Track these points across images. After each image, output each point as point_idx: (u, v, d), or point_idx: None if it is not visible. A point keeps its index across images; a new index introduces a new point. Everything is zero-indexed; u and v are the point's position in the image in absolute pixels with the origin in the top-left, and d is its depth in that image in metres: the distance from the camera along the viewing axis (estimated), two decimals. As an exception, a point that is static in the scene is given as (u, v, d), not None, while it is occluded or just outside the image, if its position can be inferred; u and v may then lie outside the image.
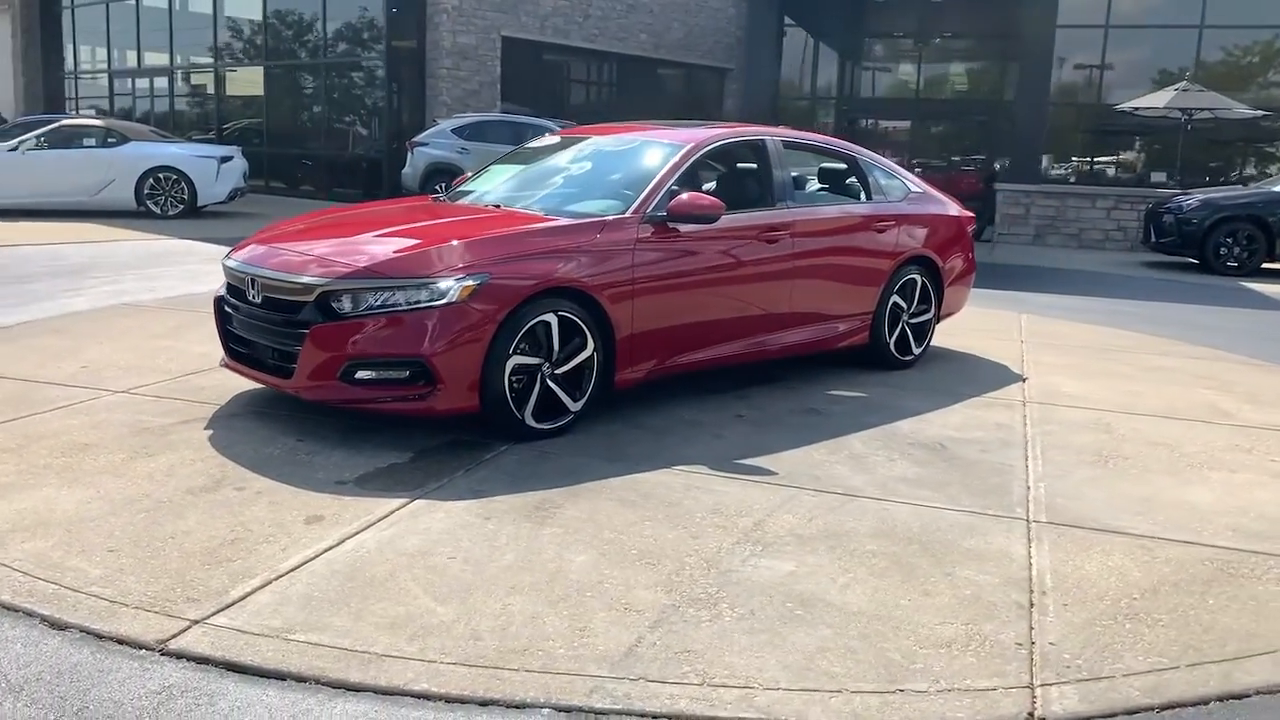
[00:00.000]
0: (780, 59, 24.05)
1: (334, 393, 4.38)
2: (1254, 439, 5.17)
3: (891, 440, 4.89)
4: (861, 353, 6.38)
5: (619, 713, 2.52)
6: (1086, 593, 3.28)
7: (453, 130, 16.15)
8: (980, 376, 6.37)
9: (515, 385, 4.50)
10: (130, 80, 25.06)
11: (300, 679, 2.60)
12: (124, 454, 4.20)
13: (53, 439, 4.36)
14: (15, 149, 14.37)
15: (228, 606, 2.94)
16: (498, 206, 5.38)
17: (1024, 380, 6.30)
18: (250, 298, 4.68)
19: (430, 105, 18.67)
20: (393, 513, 3.69)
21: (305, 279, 4.41)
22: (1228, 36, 20.39)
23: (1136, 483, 4.41)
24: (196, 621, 2.84)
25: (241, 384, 5.17)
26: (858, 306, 6.14)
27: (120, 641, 2.74)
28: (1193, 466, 4.68)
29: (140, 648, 2.71)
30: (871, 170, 6.45)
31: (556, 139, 6.29)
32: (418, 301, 4.29)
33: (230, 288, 4.91)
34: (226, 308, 4.89)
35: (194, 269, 9.72)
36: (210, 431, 4.56)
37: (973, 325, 7.89)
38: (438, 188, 12.28)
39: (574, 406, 4.71)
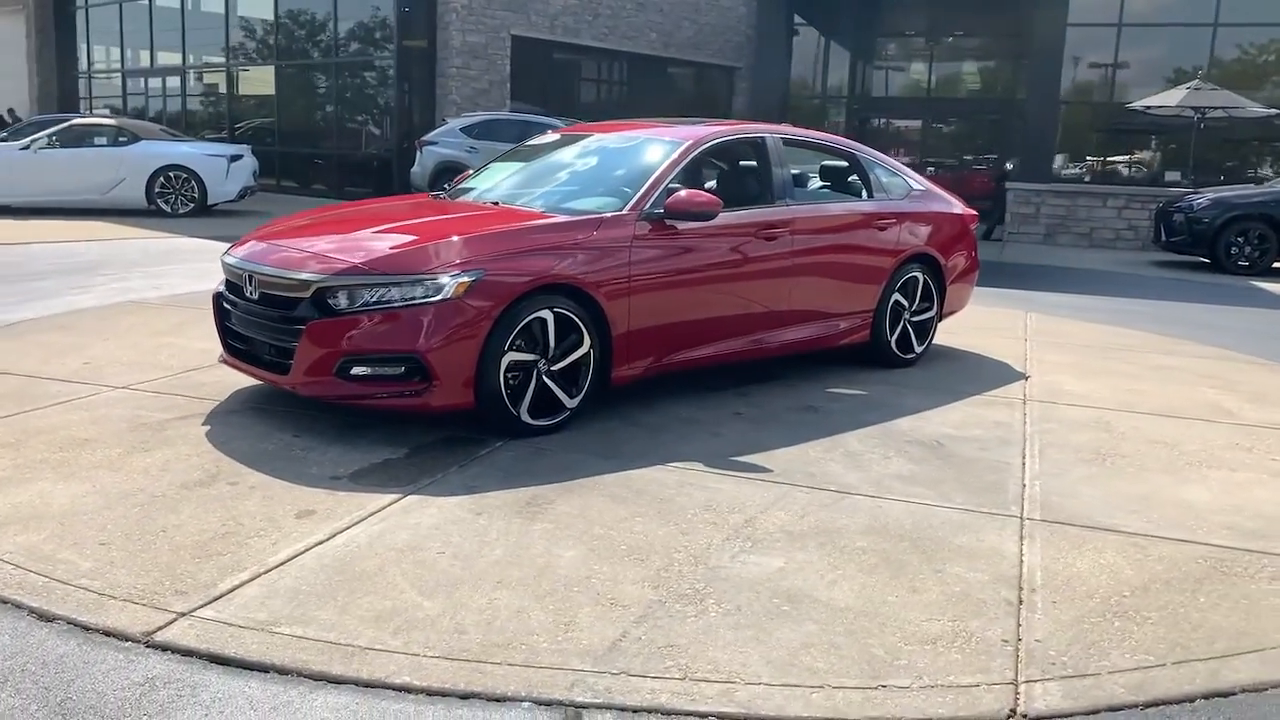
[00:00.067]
0: (790, 58, 24.01)
1: (330, 388, 4.40)
2: (1255, 438, 5.14)
3: (889, 438, 4.88)
4: (863, 351, 6.37)
5: (599, 706, 2.52)
6: (1076, 590, 3.27)
7: (461, 129, 16.19)
8: (982, 375, 6.34)
9: (511, 382, 4.50)
10: (143, 80, 25.20)
11: (283, 671, 2.61)
12: (121, 449, 4.22)
13: (51, 434, 4.39)
14: (27, 147, 14.49)
15: (215, 599, 2.95)
16: (496, 204, 5.39)
17: (1026, 379, 6.27)
18: (248, 294, 4.70)
19: (440, 104, 18.72)
20: (384, 508, 3.70)
21: (301, 275, 4.43)
22: (1242, 35, 20.24)
23: (1134, 481, 4.39)
24: (183, 614, 2.86)
25: (241, 380, 5.20)
26: (858, 304, 6.13)
27: (107, 633, 2.76)
28: (1192, 465, 4.65)
29: (126, 640, 2.73)
30: (872, 168, 6.44)
31: (556, 137, 6.29)
32: (413, 298, 4.30)
33: (229, 284, 4.94)
34: (225, 304, 4.92)
35: (202, 267, 9.76)
36: (208, 427, 4.58)
37: (977, 324, 7.86)
38: (444, 186, 12.31)
39: (570, 403, 4.71)
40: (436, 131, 16.68)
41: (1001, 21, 22.45)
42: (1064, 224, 16.23)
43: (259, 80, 22.76)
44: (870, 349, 6.33)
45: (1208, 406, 5.74)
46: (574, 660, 2.71)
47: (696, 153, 5.46)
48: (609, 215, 4.92)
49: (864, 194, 6.35)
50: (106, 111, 23.30)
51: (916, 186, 6.69)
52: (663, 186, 5.10)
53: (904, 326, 6.43)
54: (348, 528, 3.51)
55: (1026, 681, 2.70)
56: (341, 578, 3.13)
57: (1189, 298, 11.00)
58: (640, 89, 23.02)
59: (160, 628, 2.78)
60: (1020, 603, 3.17)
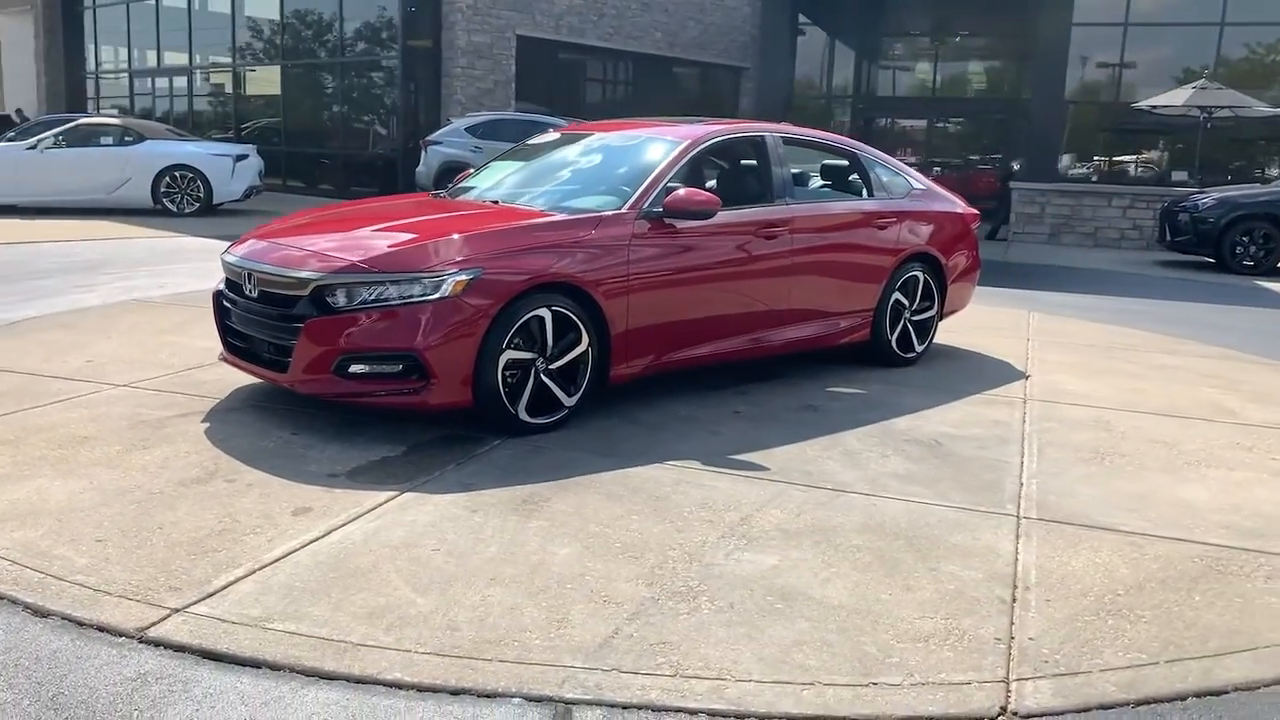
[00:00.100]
0: (794, 58, 23.99)
1: (328, 386, 4.41)
2: (1256, 437, 5.13)
3: (887, 437, 4.88)
4: (863, 350, 6.36)
5: (589, 703, 2.52)
6: (1071, 589, 3.26)
7: (466, 129, 16.21)
8: (983, 374, 6.34)
9: (509, 380, 4.51)
10: (150, 80, 25.28)
11: (275, 667, 2.62)
12: (120, 446, 4.24)
13: (51, 431, 4.41)
14: (34, 147, 14.54)
15: (209, 596, 2.96)
16: (495, 203, 5.40)
17: (1027, 378, 6.26)
18: (247, 292, 4.71)
19: (445, 104, 18.74)
20: (380, 505, 3.71)
21: (300, 273, 4.44)
22: (1250, 34, 20.18)
23: (1132, 480, 4.38)
24: (177, 610, 2.87)
25: (241, 378, 5.22)
26: (858, 303, 6.12)
27: (100, 629, 2.77)
28: (1191, 464, 4.64)
29: (120, 635, 2.74)
30: (873, 167, 6.43)
31: (556, 135, 6.29)
32: (410, 296, 4.31)
33: (229, 282, 4.95)
34: (225, 302, 4.94)
35: (206, 266, 9.78)
36: (207, 425, 4.60)
37: (980, 323, 7.86)
38: (446, 185, 12.31)
39: (568, 402, 4.72)
40: (441, 131, 16.70)
41: (1007, 21, 22.40)
42: (1069, 224, 16.20)
43: (265, 80, 22.82)
44: (871, 348, 6.33)
45: (1209, 406, 5.73)
46: (565, 657, 2.72)
47: (695, 152, 5.46)
48: (607, 214, 4.92)
49: (864, 193, 6.35)
50: (115, 112, 23.38)
51: (917, 186, 6.68)
52: (661, 185, 5.10)
53: (904, 325, 6.42)
54: (343, 525, 3.52)
55: (1018, 679, 2.70)
56: (336, 574, 3.14)
57: (1193, 297, 10.97)
58: (645, 89, 23.03)
59: (153, 624, 2.79)
60: (1014, 601, 3.17)
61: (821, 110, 25.01)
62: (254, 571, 3.13)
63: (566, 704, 2.51)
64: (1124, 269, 13.54)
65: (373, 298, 4.32)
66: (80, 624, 2.79)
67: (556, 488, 3.97)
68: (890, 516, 3.83)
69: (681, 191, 5.04)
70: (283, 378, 4.54)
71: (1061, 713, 2.57)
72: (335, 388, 4.40)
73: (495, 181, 5.86)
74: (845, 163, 6.45)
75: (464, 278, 4.33)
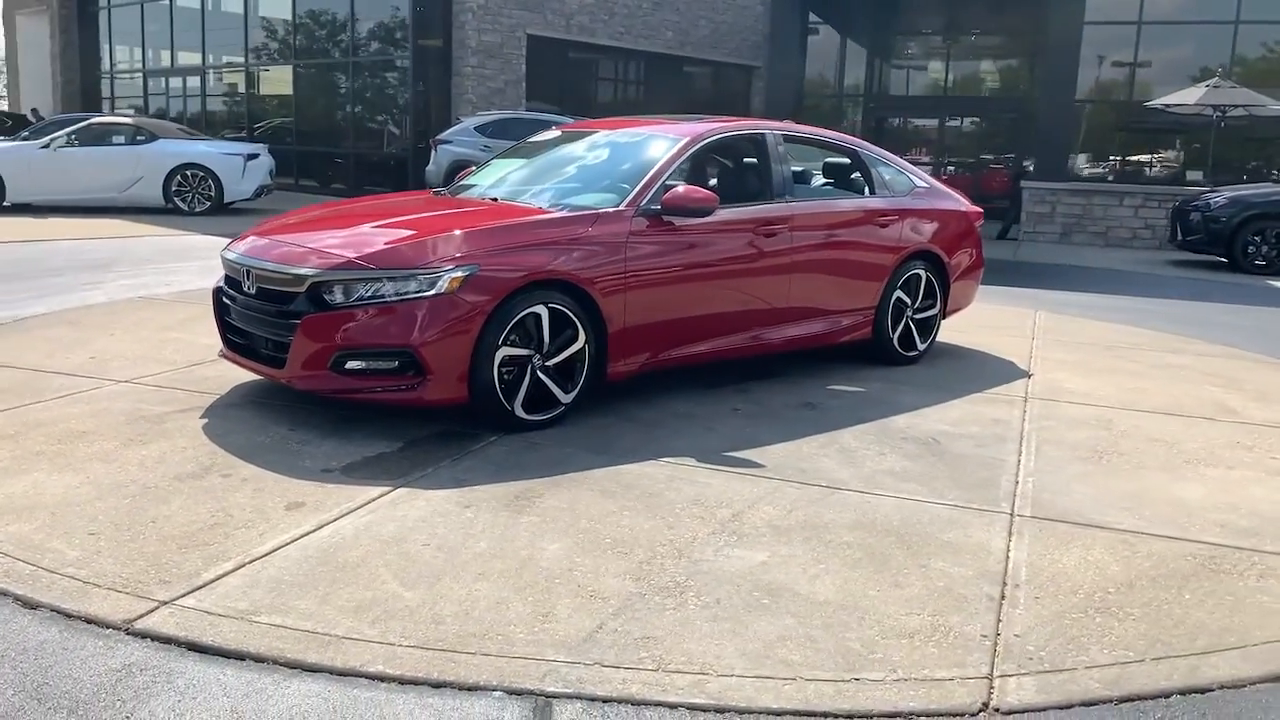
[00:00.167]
0: (805, 56, 23.93)
1: (325, 382, 4.43)
2: (1257, 436, 5.10)
3: (885, 435, 4.87)
4: (865, 348, 6.35)
5: (569, 696, 2.53)
6: (1060, 586, 3.25)
7: (476, 128, 16.25)
8: (985, 373, 6.32)
9: (505, 376, 4.52)
10: (164, 79, 25.43)
11: (259, 659, 2.64)
12: (118, 441, 4.27)
13: (50, 426, 4.44)
14: (47, 146, 14.64)
15: (198, 589, 2.98)
16: (495, 200, 5.42)
17: (1029, 376, 6.24)
18: (246, 289, 4.74)
19: (456, 103, 18.79)
20: (373, 500, 3.72)
21: (297, 270, 4.47)
22: (1266, 32, 20.00)
23: (1129, 479, 4.36)
24: (165, 602, 2.89)
25: (242, 375, 5.24)
26: (860, 301, 6.11)
27: (88, 621, 2.79)
28: (1189, 463, 4.62)
29: (107, 627, 2.76)
30: (875, 165, 6.42)
31: (558, 133, 6.30)
32: (406, 292, 4.32)
33: (228, 279, 4.98)
34: (224, 299, 4.96)
35: (213, 264, 9.72)
36: (206, 420, 4.62)
37: (985, 322, 7.83)
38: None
39: (565, 398, 4.73)
40: (451, 130, 16.74)
41: (1019, 20, 22.31)
42: (1080, 223, 16.13)
43: (277, 80, 22.93)
44: (872, 346, 6.32)
45: (1212, 405, 5.70)
46: (549, 651, 2.72)
47: (694, 149, 5.47)
48: (604, 211, 4.93)
49: (866, 191, 6.33)
50: (131, 112, 23.52)
51: (920, 184, 6.67)
52: (660, 182, 5.11)
53: (906, 324, 6.40)
54: (335, 519, 3.53)
55: (1001, 676, 2.70)
56: (325, 568, 3.16)
57: (1203, 297, 10.91)
58: (657, 88, 23.03)
59: (141, 616, 2.81)
60: (1002, 598, 3.16)
61: (833, 109, 24.97)
62: (243, 565, 3.15)
63: (547, 697, 2.52)
64: (1135, 268, 13.47)
65: (369, 294, 4.34)
66: (69, 616, 2.82)
67: (550, 484, 3.98)
68: (883, 514, 3.82)
69: (680, 189, 5.04)
70: (280, 374, 4.56)
71: (1043, 709, 2.56)
72: (332, 384, 4.42)
73: (496, 179, 5.88)
74: (847, 161, 6.44)
75: (460, 274, 4.35)
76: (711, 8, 22.99)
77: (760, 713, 2.51)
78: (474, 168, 6.49)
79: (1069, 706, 2.58)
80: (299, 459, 4.15)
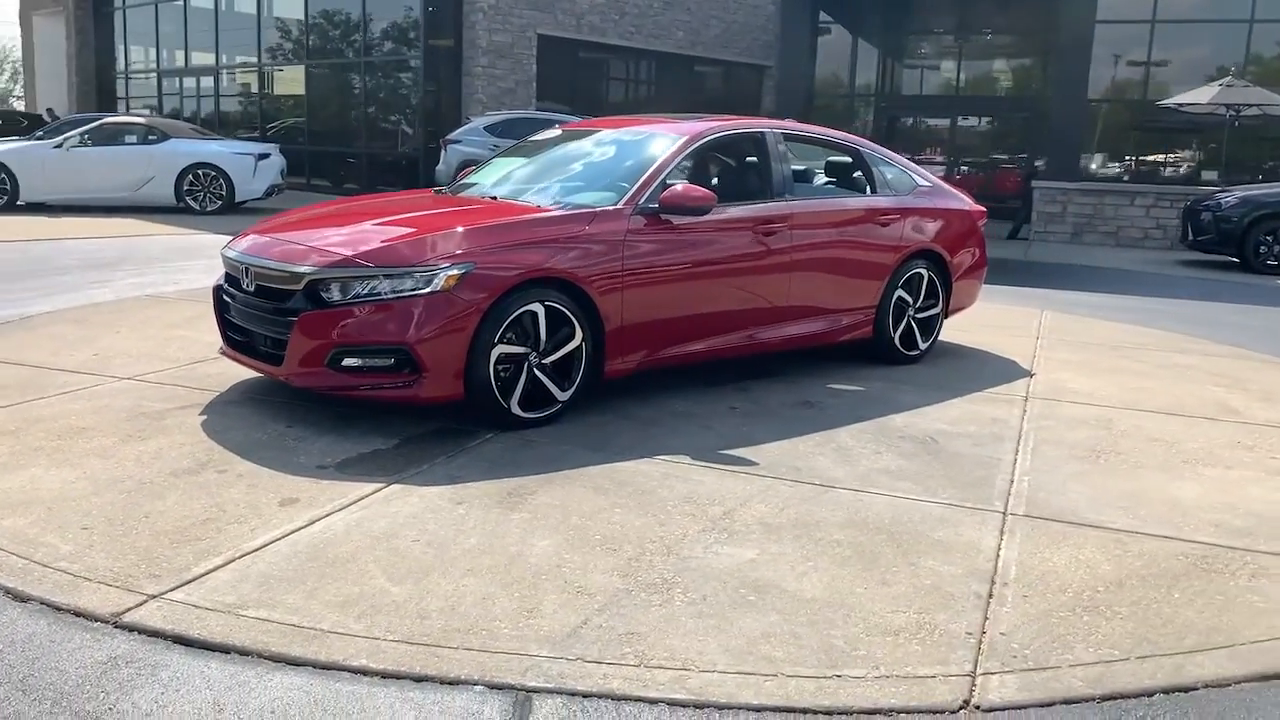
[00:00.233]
0: (815, 56, 23.88)
1: (322, 379, 4.46)
2: (1258, 436, 5.07)
3: (882, 433, 4.86)
4: (867, 347, 6.34)
5: (550, 691, 2.54)
6: (1049, 585, 3.25)
7: (485, 128, 16.29)
8: (987, 372, 6.30)
9: (502, 374, 4.53)
10: (178, 79, 25.59)
11: (244, 652, 2.66)
12: (116, 437, 4.30)
13: (51, 422, 4.48)
14: (60, 146, 14.75)
15: (187, 583, 3.00)
16: (494, 199, 5.43)
17: (1032, 376, 6.22)
18: (245, 286, 4.77)
19: (466, 103, 18.84)
20: (366, 496, 3.74)
21: (294, 268, 4.49)
22: (1280, 31, 19.88)
23: (1126, 478, 4.34)
24: (153, 596, 2.91)
25: (243, 372, 5.27)
26: (860, 300, 6.10)
27: (77, 614, 2.82)
28: (1188, 463, 4.59)
29: (95, 620, 2.79)
30: (876, 163, 6.41)
31: (559, 132, 6.32)
32: (402, 290, 4.34)
33: (228, 277, 5.01)
34: (225, 297, 4.99)
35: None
36: (205, 417, 4.65)
37: (990, 322, 7.81)
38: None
39: (562, 396, 4.74)
40: (461, 130, 16.80)
41: (1031, 19, 22.20)
42: (1091, 223, 16.05)
43: (291, 80, 23.04)
44: (874, 345, 6.31)
45: (1215, 405, 5.67)
46: (532, 646, 2.73)
47: (693, 148, 5.47)
48: (602, 209, 4.94)
49: (867, 189, 6.32)
50: (147, 112, 23.67)
51: (923, 183, 6.65)
52: (658, 181, 5.11)
53: (908, 323, 6.39)
54: (327, 515, 3.55)
55: (984, 674, 2.69)
56: (314, 564, 3.17)
57: (1213, 297, 10.84)
58: (668, 88, 23.04)
59: (129, 609, 2.83)
60: (990, 596, 3.15)
61: (845, 109, 24.90)
62: (233, 560, 3.17)
63: (527, 692, 2.53)
64: (1145, 268, 13.40)
65: (365, 292, 4.36)
66: (58, 609, 2.84)
67: (543, 481, 3.99)
68: (875, 512, 3.82)
69: (678, 187, 5.05)
70: (278, 371, 4.59)
71: (1024, 707, 2.56)
72: (328, 381, 4.44)
73: (497, 178, 5.90)
74: (848, 159, 6.43)
75: (456, 272, 4.36)
76: (723, 7, 22.97)
77: (740, 709, 2.51)
78: (475, 166, 6.51)
79: (1050, 704, 2.57)
80: (295, 455, 4.18)
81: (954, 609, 3.05)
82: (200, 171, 14.93)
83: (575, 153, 5.90)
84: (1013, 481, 4.24)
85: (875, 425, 4.99)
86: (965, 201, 6.87)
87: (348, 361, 4.39)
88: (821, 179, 6.57)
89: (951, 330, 7.06)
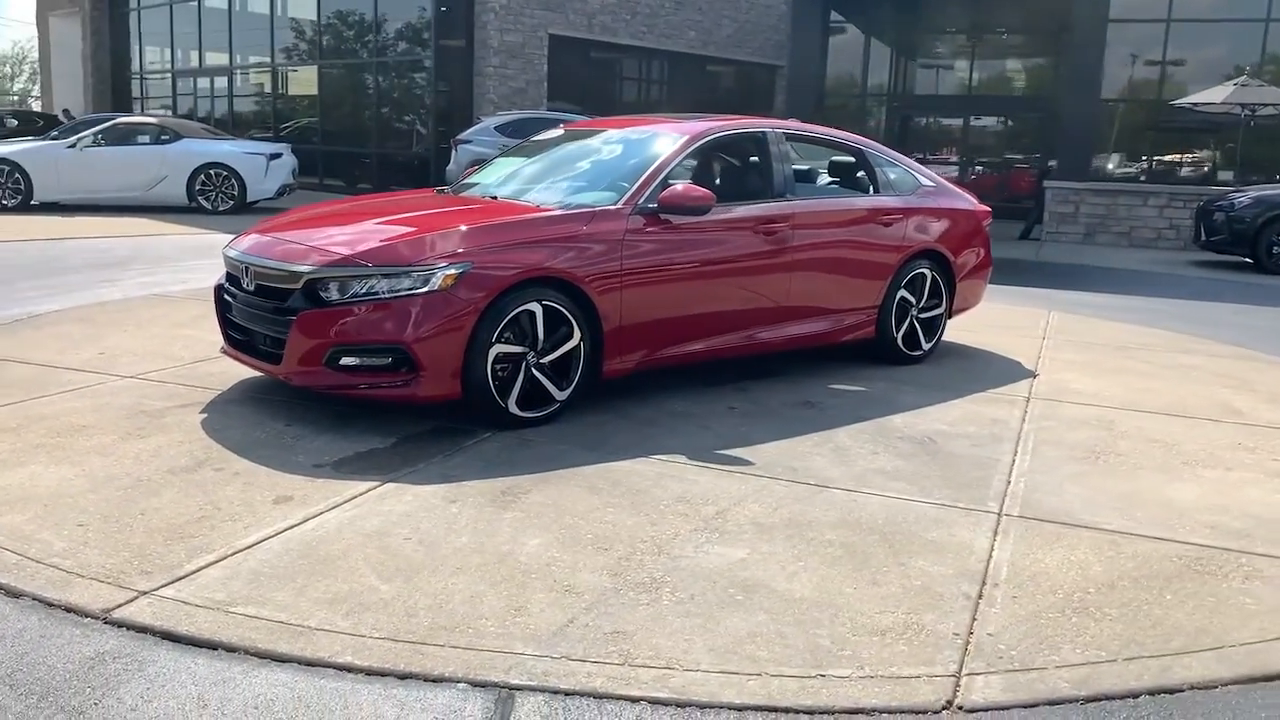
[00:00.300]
0: (826, 55, 23.80)
1: (320, 378, 4.48)
2: (1260, 438, 5.04)
3: (881, 434, 4.85)
4: (869, 347, 6.33)
5: (533, 689, 2.55)
6: (1040, 585, 3.24)
7: (496, 128, 16.32)
8: (990, 372, 6.28)
9: (499, 373, 4.55)
10: (192, 80, 25.74)
11: (231, 649, 2.67)
12: (116, 435, 4.33)
13: (52, 420, 4.51)
14: (73, 146, 14.86)
15: (178, 579, 3.03)
16: (495, 198, 5.45)
17: (1035, 376, 6.20)
18: (245, 286, 4.80)
19: (477, 103, 18.89)
20: (360, 495, 3.76)
21: (292, 267, 4.52)
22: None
23: (1123, 479, 4.33)
24: (144, 593, 2.93)
25: (244, 371, 5.30)
26: (862, 300, 6.09)
27: (68, 610, 2.84)
28: (1187, 464, 4.57)
29: (85, 616, 2.81)
30: (880, 163, 6.40)
31: (561, 132, 6.33)
32: (400, 289, 4.36)
33: (229, 276, 5.05)
34: (226, 296, 5.03)
35: (230, 262, 9.94)
36: (204, 416, 4.68)
37: (996, 322, 7.79)
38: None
39: (560, 396, 4.75)
40: (471, 130, 16.84)
41: (1044, 18, 22.07)
42: (1104, 223, 15.97)
43: (304, 80, 23.15)
44: (876, 345, 6.29)
45: (1218, 406, 5.63)
46: (517, 644, 2.74)
47: (693, 148, 5.48)
48: (601, 209, 4.95)
49: (870, 189, 6.31)
50: (163, 112, 23.81)
51: (926, 183, 6.64)
52: (658, 181, 5.12)
53: (911, 323, 6.37)
54: (320, 513, 3.57)
55: (969, 674, 2.69)
56: (305, 561, 3.19)
57: (1224, 298, 10.78)
58: (679, 88, 23.04)
59: (119, 605, 2.86)
60: (979, 597, 3.15)
61: (858, 109, 24.81)
62: (226, 557, 3.19)
63: (510, 689, 2.54)
64: (1157, 269, 13.33)
65: (363, 291, 4.38)
66: (49, 604, 2.87)
67: (538, 480, 4.00)
68: (869, 512, 3.82)
69: (677, 187, 5.05)
70: (277, 370, 4.61)
71: (1008, 707, 2.55)
72: (327, 379, 4.47)
73: (498, 177, 5.92)
74: (851, 159, 6.42)
75: (453, 271, 4.38)
76: (734, 7, 22.97)
77: (722, 708, 2.51)
78: (476, 166, 6.52)
79: (1034, 705, 2.56)
80: (292, 454, 4.20)
81: (943, 609, 3.05)
82: (212, 171, 15.03)
83: (577, 152, 5.92)
84: (1009, 482, 4.23)
85: (875, 425, 4.99)
86: (970, 201, 6.85)
87: (346, 360, 4.42)
88: (824, 179, 6.56)
89: (957, 330, 7.04)
